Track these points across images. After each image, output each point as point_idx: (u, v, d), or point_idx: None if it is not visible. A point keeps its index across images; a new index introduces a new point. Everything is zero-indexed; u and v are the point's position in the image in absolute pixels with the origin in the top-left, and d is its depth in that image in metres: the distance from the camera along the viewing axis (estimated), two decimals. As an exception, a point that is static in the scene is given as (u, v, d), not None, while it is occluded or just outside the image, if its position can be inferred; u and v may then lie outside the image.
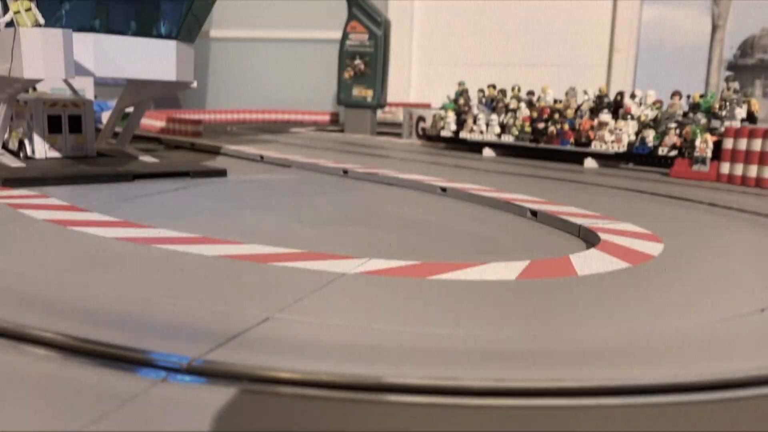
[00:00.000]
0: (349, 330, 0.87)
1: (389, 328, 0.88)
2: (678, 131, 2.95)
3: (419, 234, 1.58)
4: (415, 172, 2.52)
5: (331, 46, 5.32)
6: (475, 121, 3.71)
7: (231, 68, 6.91)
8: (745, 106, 2.85)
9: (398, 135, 4.77)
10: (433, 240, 1.53)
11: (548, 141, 3.38)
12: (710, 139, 2.74)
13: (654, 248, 1.41)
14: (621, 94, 3.33)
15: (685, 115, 3.02)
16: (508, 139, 3.57)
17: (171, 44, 2.36)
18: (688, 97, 3.05)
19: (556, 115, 3.40)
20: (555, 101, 3.55)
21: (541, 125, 3.44)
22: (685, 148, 2.86)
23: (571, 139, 3.29)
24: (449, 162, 3.17)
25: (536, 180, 2.61)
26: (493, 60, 6.03)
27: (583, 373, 0.75)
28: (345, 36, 5.01)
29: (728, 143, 2.68)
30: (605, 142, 3.15)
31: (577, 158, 3.28)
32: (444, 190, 2.20)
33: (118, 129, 2.99)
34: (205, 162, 2.84)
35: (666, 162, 2.99)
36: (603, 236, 1.49)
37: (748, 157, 2.60)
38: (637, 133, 3.11)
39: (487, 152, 3.64)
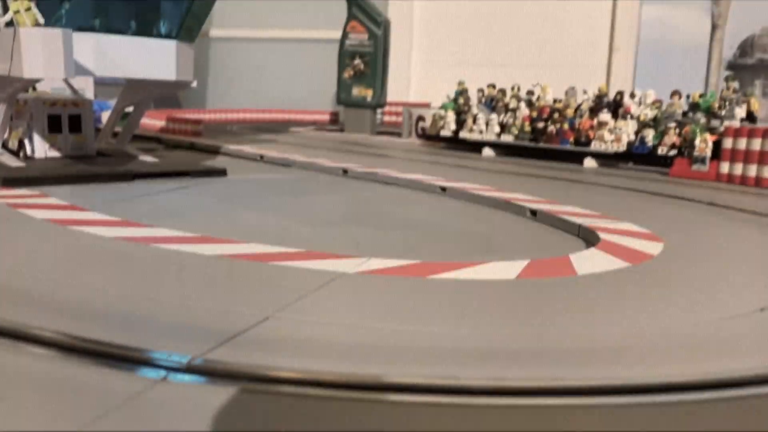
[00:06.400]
0: (349, 329, 0.87)
1: (389, 328, 0.88)
2: (677, 131, 2.95)
3: (419, 233, 1.58)
4: (414, 172, 2.52)
5: (331, 45, 5.32)
6: (474, 121, 3.71)
7: (231, 68, 6.91)
8: (744, 106, 2.85)
9: (398, 135, 4.77)
10: (433, 239, 1.53)
11: (548, 140, 3.38)
12: (710, 138, 2.74)
13: (654, 248, 1.41)
14: (620, 93, 3.33)
15: (684, 114, 3.02)
16: (507, 138, 3.56)
17: (171, 44, 2.35)
18: (688, 96, 3.05)
19: (556, 115, 3.40)
20: (555, 101, 3.55)
21: (540, 125, 3.44)
22: (685, 148, 2.85)
23: (571, 139, 3.29)
24: (449, 161, 3.17)
25: (536, 179, 2.61)
26: (493, 59, 6.03)
27: (583, 372, 0.75)
28: (345, 36, 5.00)
29: (728, 143, 2.67)
30: (605, 142, 3.15)
31: (577, 158, 3.27)
32: (444, 189, 2.20)
33: (117, 129, 2.99)
34: (205, 161, 2.84)
35: (665, 161, 2.99)
36: (603, 236, 1.49)
37: (747, 156, 2.60)
38: (636, 133, 3.11)
39: (487, 152, 3.64)
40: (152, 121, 4.46)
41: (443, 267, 1.19)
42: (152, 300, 0.95)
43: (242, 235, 1.43)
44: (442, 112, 3.95)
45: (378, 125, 5.39)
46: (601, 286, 1.13)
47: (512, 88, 3.76)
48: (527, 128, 3.48)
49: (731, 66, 5.57)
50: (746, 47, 5.52)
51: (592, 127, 3.23)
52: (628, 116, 3.17)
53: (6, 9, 1.94)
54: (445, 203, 2.06)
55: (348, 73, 5.02)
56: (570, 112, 3.37)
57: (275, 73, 6.76)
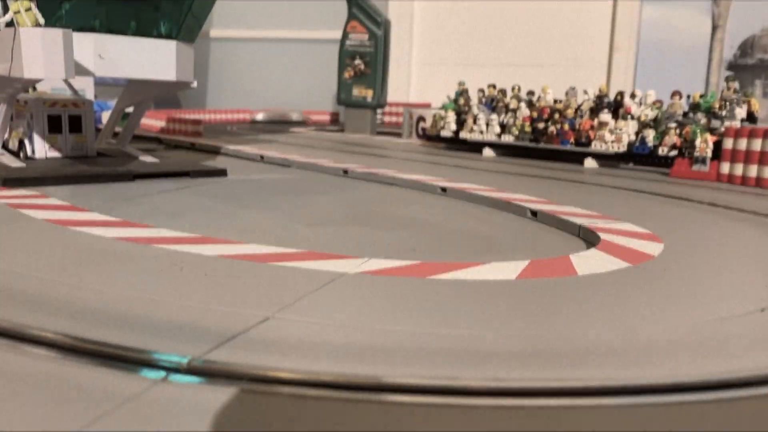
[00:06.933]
0: (349, 330, 0.87)
1: (389, 328, 0.88)
2: (678, 131, 2.95)
3: (419, 234, 1.58)
4: (415, 172, 2.52)
5: (331, 46, 5.32)
6: (475, 121, 3.71)
7: (231, 68, 6.91)
8: (745, 106, 2.85)
9: (398, 135, 4.77)
10: (433, 240, 1.53)
11: (548, 141, 3.38)
12: (710, 139, 2.74)
13: (654, 248, 1.41)
14: (621, 93, 3.33)
15: (685, 114, 3.02)
16: (508, 139, 3.57)
17: (171, 44, 2.36)
18: (688, 96, 3.05)
19: (556, 115, 3.40)
20: (555, 101, 3.55)
21: (541, 125, 3.44)
22: (685, 148, 2.85)
23: (571, 139, 3.29)
24: (449, 162, 3.17)
25: (536, 180, 2.61)
26: (493, 60, 6.03)
27: (583, 373, 0.75)
28: (345, 36, 5.01)
29: (728, 143, 2.68)
30: (605, 142, 3.15)
31: (577, 158, 3.28)
32: (444, 190, 2.20)
33: (118, 129, 2.99)
34: (205, 162, 2.84)
35: (666, 162, 2.99)
36: (603, 236, 1.49)
37: (748, 157, 2.60)
38: (637, 133, 3.11)
39: (487, 152, 3.64)
40: (152, 122, 4.46)
41: (443, 267, 1.19)
42: (152, 300, 0.95)
43: (242, 235, 1.43)
44: (443, 112, 3.95)
45: (378, 125, 5.39)
46: (602, 286, 1.13)
47: (513, 89, 3.76)
48: (528, 128, 3.48)
49: (732, 66, 5.57)
50: (747, 47, 5.51)
51: (592, 128, 3.23)
52: (629, 116, 3.17)
53: (6, 9, 1.94)
54: (446, 203, 2.06)
55: (348, 74, 5.02)
56: (570, 112, 3.37)
57: (275, 74, 6.77)
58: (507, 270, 1.19)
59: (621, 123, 3.15)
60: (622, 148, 3.11)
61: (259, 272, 1.13)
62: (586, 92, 3.45)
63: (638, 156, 3.11)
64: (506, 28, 6.06)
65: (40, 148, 2.43)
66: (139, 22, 2.34)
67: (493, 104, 3.75)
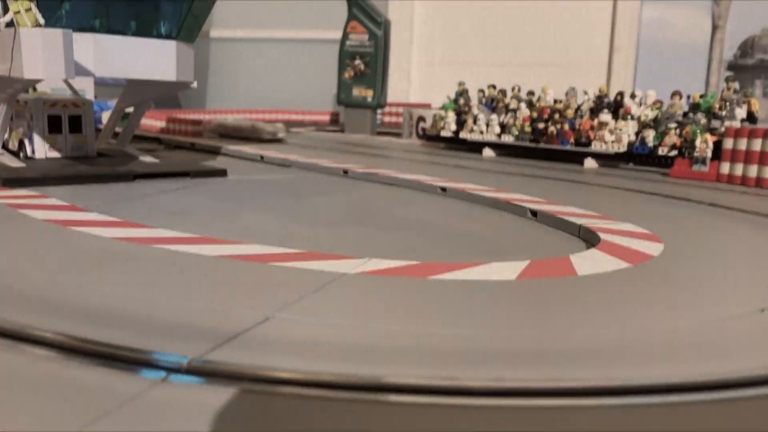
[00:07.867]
0: (349, 330, 0.87)
1: (389, 328, 0.88)
2: (678, 131, 2.95)
3: (419, 234, 1.58)
4: (415, 172, 2.52)
5: (331, 46, 5.32)
6: (475, 121, 3.71)
7: (231, 68, 6.91)
8: (745, 106, 2.85)
9: (398, 135, 4.77)
10: (433, 240, 1.53)
11: (548, 141, 3.38)
12: (710, 139, 2.74)
13: (654, 248, 1.41)
14: (621, 94, 3.33)
15: (685, 115, 3.02)
16: (508, 139, 3.56)
17: (171, 44, 2.35)
18: (688, 97, 3.05)
19: (556, 115, 3.40)
20: (555, 101, 3.55)
21: (541, 125, 3.43)
22: (685, 148, 2.85)
23: (571, 139, 3.29)
24: (449, 162, 3.17)
25: (536, 180, 2.61)
26: (493, 60, 6.03)
27: (583, 373, 0.75)
28: (345, 36, 5.01)
29: (728, 143, 2.68)
30: (605, 142, 3.15)
31: (577, 158, 3.27)
32: (444, 190, 2.20)
33: (118, 129, 2.99)
34: (206, 162, 2.84)
35: (666, 162, 2.99)
36: (603, 236, 1.49)
37: (748, 157, 2.60)
38: (637, 133, 3.11)
39: (487, 152, 3.64)
40: (152, 122, 4.46)
41: (443, 267, 1.19)
42: (152, 300, 0.95)
43: (242, 235, 1.43)
44: (443, 112, 3.95)
45: (378, 125, 5.39)
46: (601, 286, 1.13)
47: (513, 89, 3.76)
48: (528, 129, 3.48)
49: (732, 66, 5.57)
50: (747, 48, 5.52)
51: (592, 128, 3.23)
52: (629, 117, 3.17)
53: (6, 9, 1.94)
54: (446, 204, 2.06)
55: (348, 74, 5.02)
56: (570, 112, 3.37)
57: (275, 74, 6.77)
58: (507, 270, 1.19)
59: (621, 123, 3.15)
60: (622, 148, 3.11)
61: (259, 272, 1.13)
62: (586, 92, 3.45)
63: (638, 156, 3.11)
64: (506, 28, 6.06)
65: (40, 148, 2.43)
66: (139, 22, 2.34)
67: (493, 104, 3.75)
